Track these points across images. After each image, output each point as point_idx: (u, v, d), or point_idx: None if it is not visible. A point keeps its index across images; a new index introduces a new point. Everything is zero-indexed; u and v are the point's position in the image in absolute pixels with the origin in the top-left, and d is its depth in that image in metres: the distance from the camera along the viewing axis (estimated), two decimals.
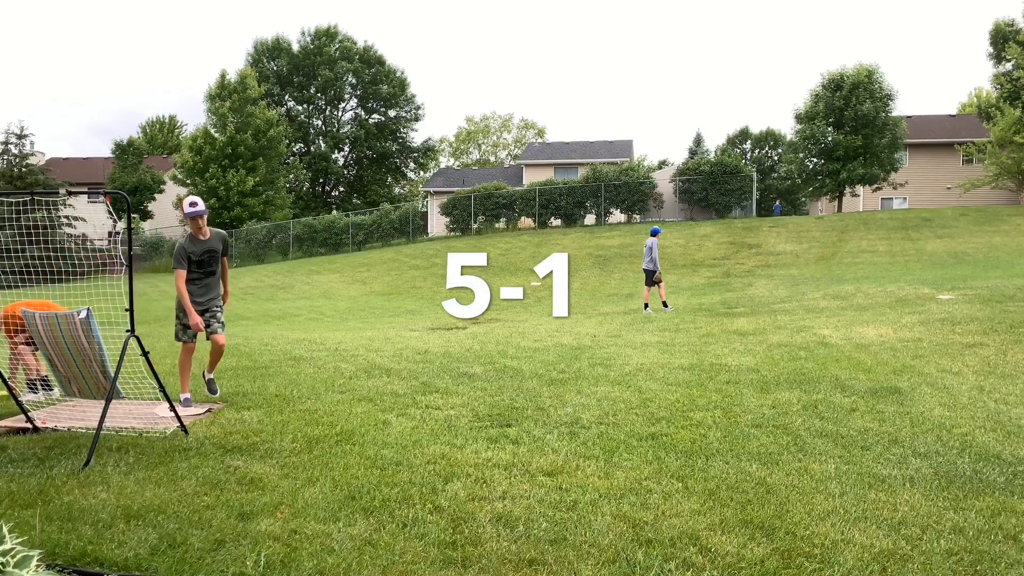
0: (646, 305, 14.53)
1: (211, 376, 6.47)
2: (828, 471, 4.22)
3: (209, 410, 6.07)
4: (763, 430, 5.13)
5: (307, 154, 54.80)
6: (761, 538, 3.29)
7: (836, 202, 34.29)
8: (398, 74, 56.08)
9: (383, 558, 3.12)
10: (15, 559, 2.09)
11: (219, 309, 6.23)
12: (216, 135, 39.57)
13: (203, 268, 6.12)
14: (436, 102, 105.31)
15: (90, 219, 36.21)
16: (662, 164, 60.40)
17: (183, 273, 6.01)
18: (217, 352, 6.29)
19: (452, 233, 35.02)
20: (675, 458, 4.51)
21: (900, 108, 36.19)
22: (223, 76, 40.64)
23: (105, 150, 73.38)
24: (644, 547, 3.20)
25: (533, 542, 3.28)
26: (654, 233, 14.85)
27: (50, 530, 3.39)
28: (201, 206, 6.06)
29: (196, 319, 5.94)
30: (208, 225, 6.19)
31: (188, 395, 6.15)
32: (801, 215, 39.65)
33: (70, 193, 5.30)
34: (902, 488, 3.93)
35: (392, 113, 56.96)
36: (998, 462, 4.36)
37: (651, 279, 14.50)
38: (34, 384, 6.76)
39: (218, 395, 6.40)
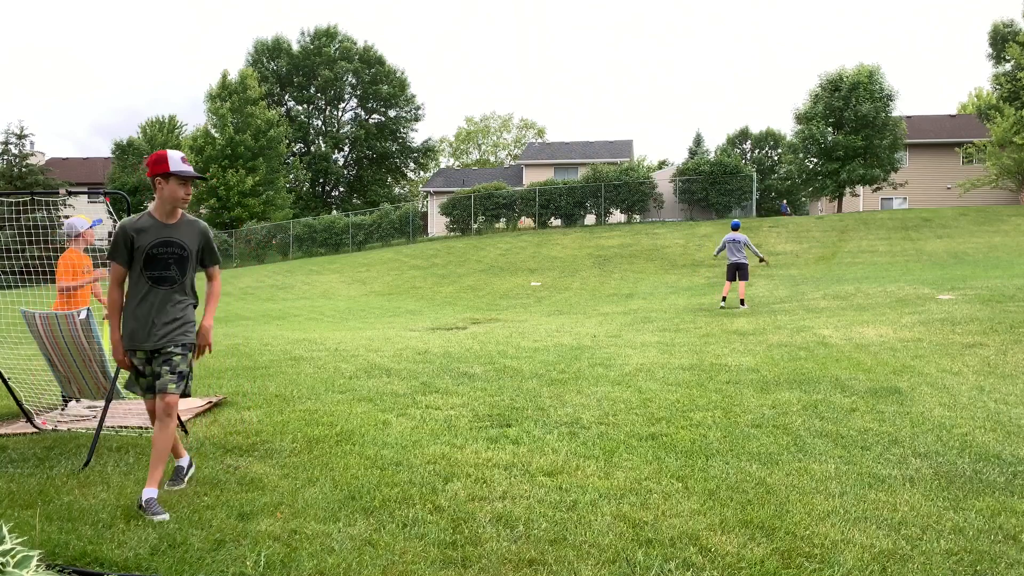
0: (724, 299, 14.20)
1: (148, 494, 3.57)
2: (828, 471, 4.22)
3: (210, 403, 6.06)
4: (763, 430, 5.14)
5: (307, 154, 54.79)
6: (761, 538, 3.29)
7: (836, 202, 34.28)
8: (398, 74, 56.11)
9: (383, 558, 3.12)
10: (15, 559, 2.09)
11: (177, 349, 3.71)
12: (216, 135, 39.58)
13: (152, 270, 3.71)
14: (436, 102, 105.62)
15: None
16: (662, 164, 60.41)
17: (119, 270, 3.74)
18: (162, 432, 3.65)
19: (452, 233, 35.02)
20: (675, 458, 4.51)
21: (900, 108, 36.26)
22: (224, 76, 40.68)
23: (106, 150, 73.50)
24: (644, 547, 3.20)
25: (533, 542, 3.28)
26: (736, 227, 14.47)
27: (50, 530, 3.39)
28: (179, 164, 3.68)
29: (118, 351, 3.77)
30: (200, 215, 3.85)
31: (153, 491, 3.60)
32: (801, 215, 39.64)
33: (70, 193, 5.29)
34: (902, 488, 3.93)
35: (392, 113, 56.99)
36: (998, 462, 4.36)
37: (743, 274, 14.27)
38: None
39: (160, 519, 3.45)
